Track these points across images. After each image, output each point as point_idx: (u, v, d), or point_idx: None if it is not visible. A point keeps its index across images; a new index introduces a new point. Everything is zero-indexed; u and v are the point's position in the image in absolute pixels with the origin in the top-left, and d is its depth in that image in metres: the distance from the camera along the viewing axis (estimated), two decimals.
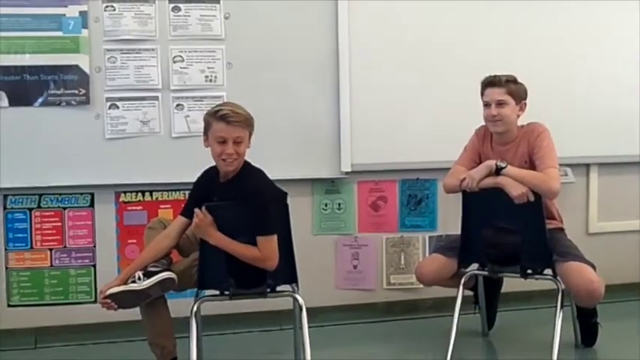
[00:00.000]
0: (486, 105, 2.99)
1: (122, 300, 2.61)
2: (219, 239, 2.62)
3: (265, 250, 2.62)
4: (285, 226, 2.75)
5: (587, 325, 3.09)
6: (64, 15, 3.25)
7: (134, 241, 3.37)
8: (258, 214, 2.62)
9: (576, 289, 2.81)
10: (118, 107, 3.32)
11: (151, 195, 3.42)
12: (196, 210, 2.63)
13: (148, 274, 2.62)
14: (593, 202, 3.86)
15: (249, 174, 2.68)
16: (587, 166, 3.84)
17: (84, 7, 3.26)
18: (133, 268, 2.67)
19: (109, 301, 2.61)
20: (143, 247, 2.82)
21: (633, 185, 3.90)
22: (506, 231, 2.89)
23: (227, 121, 2.60)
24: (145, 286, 2.60)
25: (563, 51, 3.69)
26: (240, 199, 2.63)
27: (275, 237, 2.64)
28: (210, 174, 2.76)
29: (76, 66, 3.27)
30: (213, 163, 2.72)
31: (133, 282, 2.61)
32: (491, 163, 2.91)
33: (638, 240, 3.90)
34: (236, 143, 2.61)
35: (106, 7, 3.28)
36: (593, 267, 2.82)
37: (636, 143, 3.80)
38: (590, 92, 3.74)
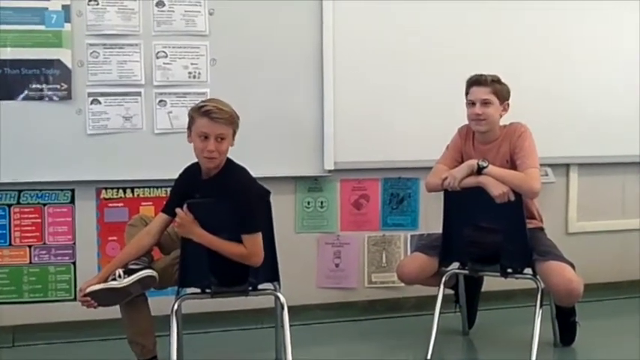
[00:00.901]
0: (471, 104, 3.00)
1: (102, 298, 2.59)
2: (203, 236, 2.61)
3: (251, 247, 2.61)
4: (267, 224, 2.74)
5: (565, 324, 3.12)
6: (47, 9, 3.21)
7: (115, 238, 3.35)
8: (244, 211, 2.61)
9: (555, 288, 2.84)
10: (100, 103, 3.29)
11: (133, 192, 3.40)
12: (177, 209, 2.62)
13: (128, 272, 2.60)
14: (573, 202, 3.90)
15: (233, 171, 2.67)
16: (567, 166, 3.87)
17: (67, 1, 3.22)
18: (114, 265, 2.65)
19: (88, 299, 2.59)
20: (124, 245, 2.80)
21: (613, 185, 3.95)
22: (487, 230, 2.91)
23: (210, 117, 2.59)
24: (125, 284, 2.58)
25: (545, 52, 3.72)
26: (224, 197, 2.62)
27: (260, 234, 2.64)
28: (192, 171, 2.74)
29: (58, 60, 3.23)
30: (196, 160, 2.70)
31: (114, 279, 2.59)
32: (472, 162, 2.93)
33: (616, 240, 3.95)
34: (218, 140, 2.60)
35: (89, 1, 3.24)
36: (573, 266, 2.85)
37: (616, 144, 3.85)
38: (571, 93, 3.77)
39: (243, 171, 2.69)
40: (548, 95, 3.71)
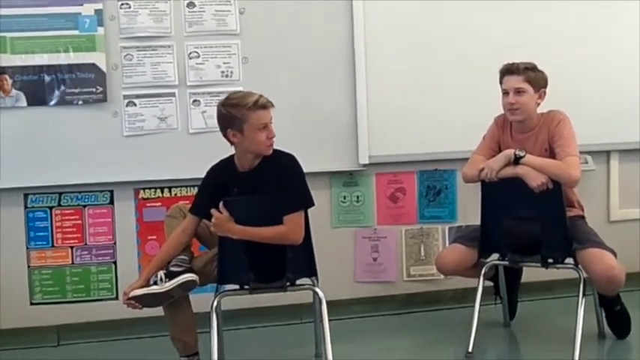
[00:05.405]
0: (505, 93, 2.95)
1: (145, 301, 2.63)
2: (241, 232, 2.62)
3: (291, 225, 2.62)
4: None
5: (614, 316, 3.03)
6: (80, 14, 3.27)
7: (154, 237, 3.39)
8: (289, 187, 2.63)
9: (596, 275, 2.78)
10: (135, 104, 3.33)
11: (170, 191, 3.44)
12: (213, 210, 2.62)
13: (170, 275, 2.63)
14: (614, 189, 3.81)
15: (275, 155, 2.69)
16: (608, 153, 3.78)
17: (99, 6, 3.27)
18: (155, 266, 2.68)
19: (133, 302, 2.63)
20: (163, 242, 2.82)
21: None
22: (526, 220, 2.87)
23: (265, 107, 2.63)
24: (167, 288, 2.61)
25: (583, 36, 3.63)
26: (269, 182, 2.62)
27: (302, 214, 2.65)
28: (226, 166, 2.74)
29: (93, 64, 3.28)
30: (224, 157, 2.73)
31: (155, 283, 2.62)
32: (509, 152, 2.88)
33: None
34: (271, 124, 2.66)
35: (122, 4, 3.29)
36: (614, 253, 2.78)
37: None
38: (610, 79, 3.68)
39: (284, 152, 2.72)
40: (587, 82, 3.63)
